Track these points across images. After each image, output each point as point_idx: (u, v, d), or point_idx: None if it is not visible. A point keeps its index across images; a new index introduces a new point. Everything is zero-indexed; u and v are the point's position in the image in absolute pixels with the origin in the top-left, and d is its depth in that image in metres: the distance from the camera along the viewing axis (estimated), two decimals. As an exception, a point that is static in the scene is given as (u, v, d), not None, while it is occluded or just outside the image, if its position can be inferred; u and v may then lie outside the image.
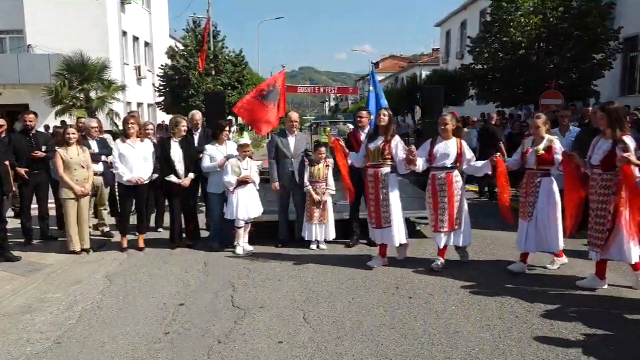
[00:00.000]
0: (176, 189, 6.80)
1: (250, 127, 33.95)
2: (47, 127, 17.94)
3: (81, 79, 16.10)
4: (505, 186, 5.50)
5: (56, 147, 6.71)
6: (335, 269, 5.79)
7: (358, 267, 5.84)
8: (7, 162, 6.41)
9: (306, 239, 6.78)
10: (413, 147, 5.77)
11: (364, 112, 7.01)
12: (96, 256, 6.60)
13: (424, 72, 31.76)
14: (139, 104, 26.09)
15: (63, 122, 15.78)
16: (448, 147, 5.65)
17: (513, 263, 5.66)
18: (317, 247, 6.71)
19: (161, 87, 23.18)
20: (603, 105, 5.25)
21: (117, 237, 7.57)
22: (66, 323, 4.46)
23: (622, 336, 3.97)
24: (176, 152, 6.78)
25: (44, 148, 7.10)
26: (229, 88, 22.74)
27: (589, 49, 14.37)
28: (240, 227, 6.63)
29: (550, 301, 4.71)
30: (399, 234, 5.83)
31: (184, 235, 7.09)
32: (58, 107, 16.43)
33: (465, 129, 13.84)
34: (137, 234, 6.97)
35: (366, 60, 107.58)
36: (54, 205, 7.73)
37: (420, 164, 5.65)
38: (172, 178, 6.73)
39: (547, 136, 5.39)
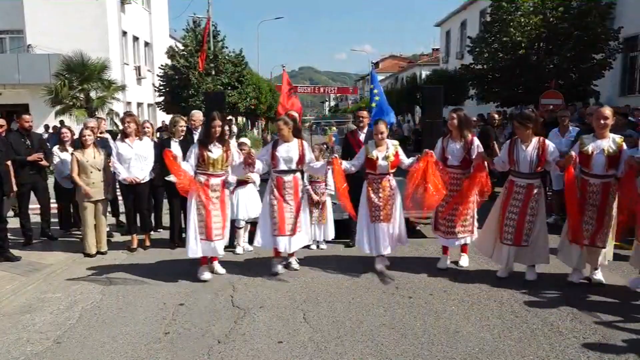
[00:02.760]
0: (176, 189, 6.78)
1: (250, 127, 33.84)
2: (47, 127, 17.99)
3: (81, 79, 16.08)
4: (343, 183, 5.46)
5: (72, 151, 6.72)
6: (335, 269, 5.79)
7: (358, 267, 5.84)
8: (8, 162, 6.41)
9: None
10: (252, 150, 5.64)
11: (365, 112, 7.01)
12: (96, 256, 6.60)
13: (424, 72, 31.79)
14: (139, 104, 26.10)
15: (62, 122, 15.79)
16: (290, 150, 5.52)
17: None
18: (317, 247, 6.71)
19: (161, 87, 23.17)
20: (455, 109, 5.72)
21: (117, 237, 7.59)
22: (66, 323, 4.46)
23: (621, 336, 3.97)
24: (176, 153, 6.76)
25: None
26: (229, 88, 22.73)
27: (589, 49, 14.38)
28: (241, 227, 6.63)
29: (550, 301, 4.72)
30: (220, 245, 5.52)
31: (183, 235, 7.08)
32: (58, 107, 16.43)
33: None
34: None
35: (366, 60, 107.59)
36: (55, 205, 7.73)
37: (259, 166, 5.56)
38: (172, 178, 6.71)
39: (389, 141, 5.65)
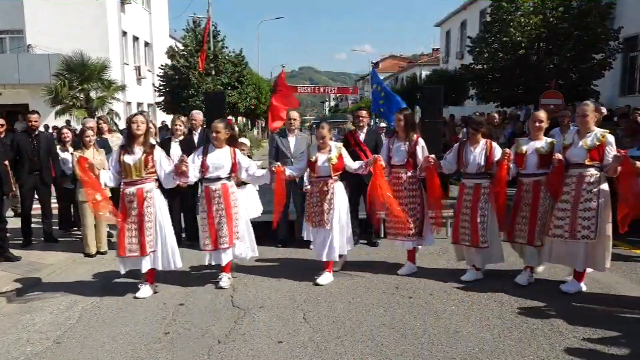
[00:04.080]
0: (176, 189, 6.78)
1: (251, 127, 33.87)
2: (46, 127, 17.99)
3: (81, 79, 16.10)
4: (283, 191, 5.49)
5: (72, 151, 6.72)
6: (335, 269, 5.78)
7: (358, 267, 5.84)
8: (6, 162, 6.41)
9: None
10: (185, 157, 5.06)
11: (364, 112, 7.01)
12: (96, 256, 6.60)
13: (424, 72, 31.76)
14: (139, 104, 26.11)
15: (68, 121, 15.83)
16: (221, 157, 5.22)
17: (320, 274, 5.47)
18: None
19: (161, 87, 23.19)
20: (402, 109, 5.87)
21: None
22: (66, 323, 4.46)
23: (621, 336, 3.97)
24: (176, 153, 6.77)
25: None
26: (229, 88, 22.75)
27: (589, 49, 14.38)
28: (240, 227, 6.62)
29: (550, 301, 4.71)
30: (155, 261, 5.07)
31: (183, 235, 7.09)
32: (58, 107, 16.44)
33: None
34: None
35: (366, 60, 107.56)
36: (55, 205, 7.73)
37: (192, 175, 5.10)
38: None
39: (333, 144, 5.51)
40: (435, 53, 42.84)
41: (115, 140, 7.88)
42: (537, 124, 5.14)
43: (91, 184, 4.86)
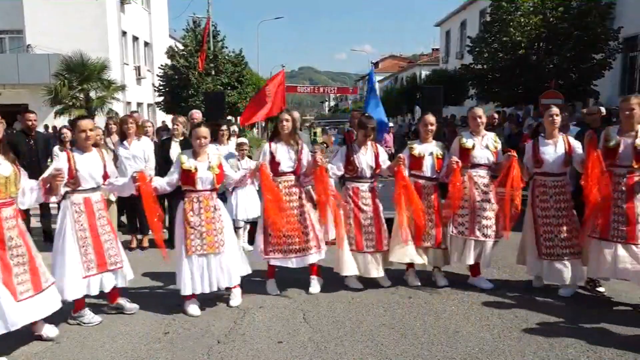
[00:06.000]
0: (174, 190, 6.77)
1: (251, 127, 33.98)
2: (46, 126, 18.00)
3: (81, 79, 16.11)
4: (154, 208, 4.47)
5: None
6: (335, 269, 5.77)
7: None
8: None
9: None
10: (61, 169, 4.03)
11: (358, 113, 7.02)
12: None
13: (424, 72, 31.77)
14: (139, 104, 26.11)
15: (70, 121, 15.81)
16: (91, 162, 4.33)
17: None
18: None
19: (161, 87, 23.20)
20: (288, 109, 5.68)
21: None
22: (66, 323, 4.45)
23: (621, 336, 3.97)
24: (175, 152, 6.76)
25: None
26: (229, 88, 22.76)
27: (589, 49, 14.39)
28: (240, 227, 6.63)
29: (549, 301, 4.72)
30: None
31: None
32: (58, 107, 16.45)
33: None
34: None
35: (366, 60, 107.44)
36: (54, 205, 7.72)
37: (60, 192, 4.17)
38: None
39: (211, 150, 4.73)
40: (435, 53, 42.82)
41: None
42: (429, 127, 5.16)
43: None
